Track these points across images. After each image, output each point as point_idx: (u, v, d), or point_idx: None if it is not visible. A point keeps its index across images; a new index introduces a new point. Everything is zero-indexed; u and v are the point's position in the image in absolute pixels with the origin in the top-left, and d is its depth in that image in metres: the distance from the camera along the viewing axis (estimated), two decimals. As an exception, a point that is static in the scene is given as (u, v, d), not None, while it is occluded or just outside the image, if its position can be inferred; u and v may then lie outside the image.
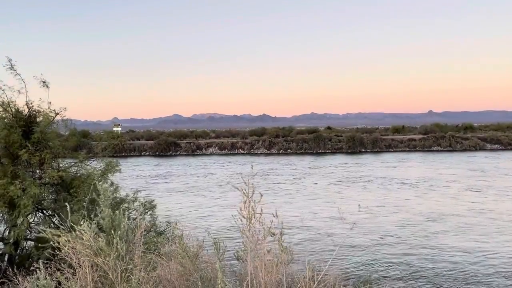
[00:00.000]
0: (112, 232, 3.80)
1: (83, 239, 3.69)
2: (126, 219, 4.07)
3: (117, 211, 4.01)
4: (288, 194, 24.47)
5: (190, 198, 24.08)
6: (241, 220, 3.67)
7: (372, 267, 11.89)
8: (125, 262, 3.76)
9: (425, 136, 59.79)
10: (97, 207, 4.14)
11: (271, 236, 3.71)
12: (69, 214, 3.90)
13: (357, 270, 11.58)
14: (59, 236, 3.72)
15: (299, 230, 15.79)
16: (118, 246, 3.72)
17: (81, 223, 3.74)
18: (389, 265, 12.03)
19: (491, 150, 54.60)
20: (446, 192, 24.20)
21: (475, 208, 19.46)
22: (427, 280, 10.93)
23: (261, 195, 3.59)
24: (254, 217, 3.62)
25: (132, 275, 3.71)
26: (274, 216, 3.74)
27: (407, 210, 19.59)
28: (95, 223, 3.86)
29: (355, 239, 14.49)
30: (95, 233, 3.76)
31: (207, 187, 27.70)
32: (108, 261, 3.67)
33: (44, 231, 3.82)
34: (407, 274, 11.33)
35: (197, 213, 19.53)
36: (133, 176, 34.00)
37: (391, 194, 24.11)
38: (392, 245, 13.95)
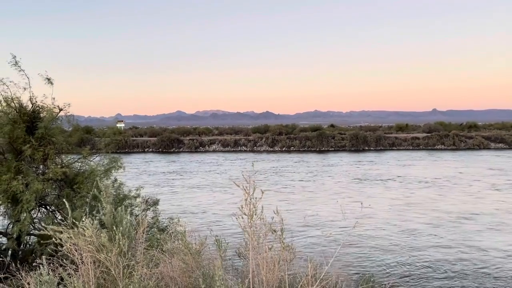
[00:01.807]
0: (114, 228, 3.80)
1: (85, 235, 3.69)
2: (129, 215, 4.07)
3: (119, 208, 4.02)
4: (310, 192, 24.44)
5: (215, 194, 24.08)
6: (242, 217, 3.67)
7: (408, 267, 11.76)
8: (127, 258, 3.77)
9: (429, 134, 59.56)
10: (100, 204, 4.14)
11: (272, 233, 3.70)
12: (69, 210, 3.90)
13: (391, 270, 11.47)
14: (61, 232, 3.73)
15: (326, 228, 15.78)
16: (120, 242, 3.72)
17: (83, 219, 3.74)
18: (427, 264, 11.94)
19: (495, 149, 54.28)
20: (471, 191, 23.92)
21: (505, 208, 19.33)
22: (471, 278, 10.84)
23: (262, 192, 3.58)
24: (255, 214, 3.61)
25: (134, 271, 3.72)
26: (274, 213, 3.73)
27: (434, 208, 19.38)
28: (97, 219, 3.86)
29: (386, 239, 14.41)
30: (97, 229, 3.77)
31: (227, 184, 27.64)
32: (110, 257, 3.68)
33: (46, 227, 3.83)
34: (449, 273, 11.26)
35: (224, 209, 19.42)
36: (149, 172, 34.01)
37: (415, 192, 23.88)
38: (425, 245, 13.79)
